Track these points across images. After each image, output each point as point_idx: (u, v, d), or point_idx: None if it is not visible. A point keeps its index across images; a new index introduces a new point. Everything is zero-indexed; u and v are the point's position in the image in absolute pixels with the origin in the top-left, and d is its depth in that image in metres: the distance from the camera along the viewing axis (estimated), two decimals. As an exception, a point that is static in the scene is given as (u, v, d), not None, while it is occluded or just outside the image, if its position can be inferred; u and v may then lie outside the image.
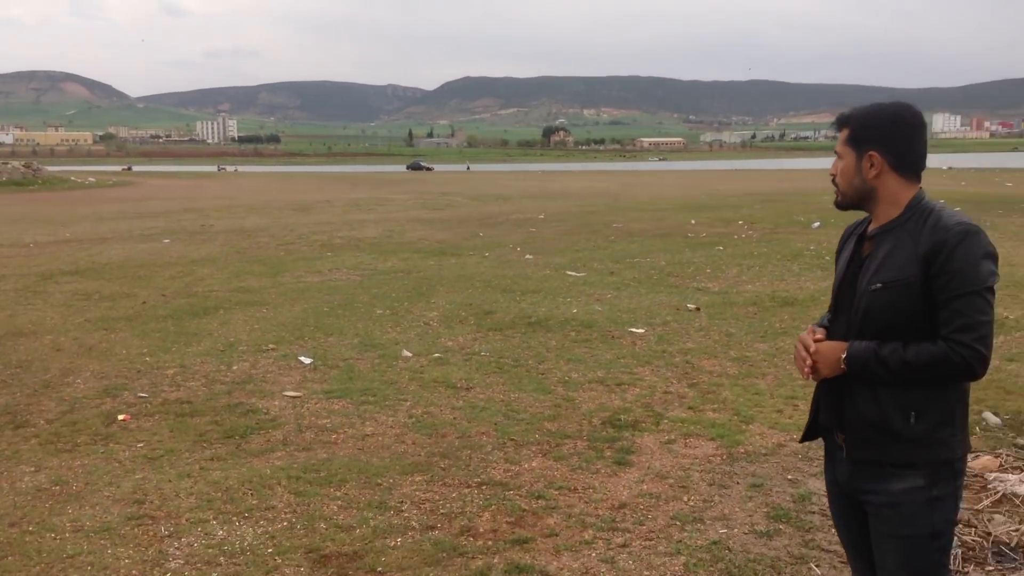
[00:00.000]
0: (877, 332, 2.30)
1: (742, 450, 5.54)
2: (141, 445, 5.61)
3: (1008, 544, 4.19)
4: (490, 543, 4.25)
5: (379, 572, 3.95)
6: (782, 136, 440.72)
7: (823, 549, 4.18)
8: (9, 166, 58.49)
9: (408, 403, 6.56)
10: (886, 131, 2.35)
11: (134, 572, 3.92)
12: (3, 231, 21.67)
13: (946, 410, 2.30)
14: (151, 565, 3.98)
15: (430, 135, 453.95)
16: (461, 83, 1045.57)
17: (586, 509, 4.66)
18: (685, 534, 4.36)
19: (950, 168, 68.98)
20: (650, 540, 4.30)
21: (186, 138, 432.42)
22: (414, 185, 53.63)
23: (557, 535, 4.34)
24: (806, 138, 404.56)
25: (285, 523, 4.46)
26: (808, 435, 2.62)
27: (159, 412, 6.31)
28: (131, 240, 19.11)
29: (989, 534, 4.29)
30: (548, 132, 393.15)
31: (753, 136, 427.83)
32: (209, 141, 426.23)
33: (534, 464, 5.33)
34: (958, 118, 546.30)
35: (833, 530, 4.23)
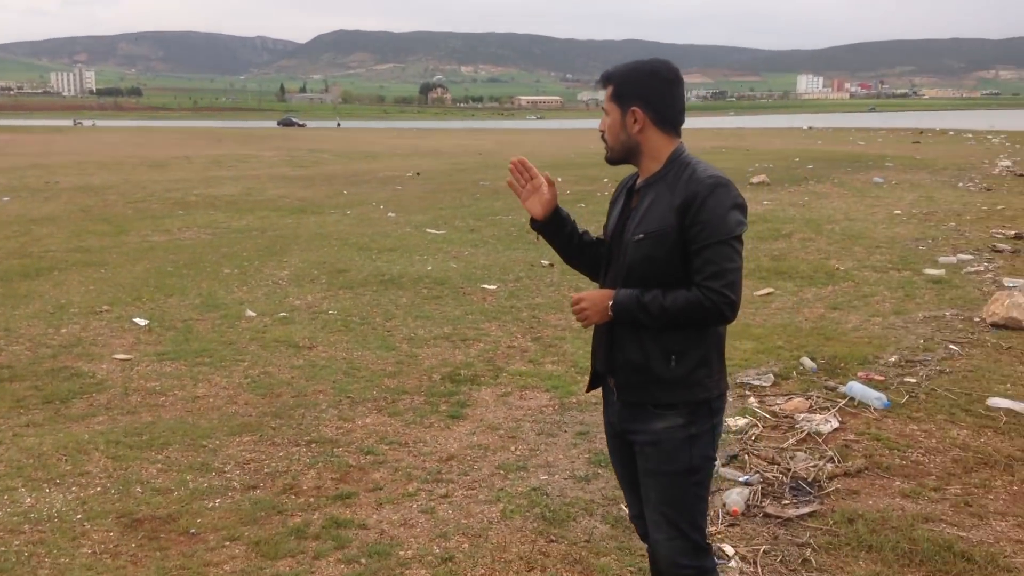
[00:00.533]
0: (640, 280, 2.40)
1: (574, 400, 5.69)
2: (-51, 413, 5.31)
3: (806, 479, 4.47)
4: (312, 500, 4.23)
5: (192, 534, 3.88)
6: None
7: (636, 492, 4.35)
8: None
9: (246, 363, 6.44)
10: (647, 87, 2.43)
11: (-76, 546, 3.72)
12: None
13: (703, 353, 2.43)
14: (-55, 537, 3.79)
15: (303, 90, 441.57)
16: (334, 36, 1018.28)
17: (414, 463, 4.69)
18: (507, 482, 4.45)
19: (810, 128, 71.96)
20: (472, 490, 4.37)
21: (40, 90, 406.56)
22: (282, 142, 52.10)
23: (381, 489, 4.36)
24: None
25: (99, 488, 4.32)
26: (592, 384, 2.71)
27: (-26, 378, 5.97)
28: (-35, 198, 17.91)
29: (789, 470, 4.56)
30: (426, 89, 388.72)
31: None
32: (65, 94, 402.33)
33: (368, 421, 5.33)
34: (820, 79, 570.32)
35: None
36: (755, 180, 20.61)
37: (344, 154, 37.73)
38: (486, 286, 9.13)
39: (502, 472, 4.58)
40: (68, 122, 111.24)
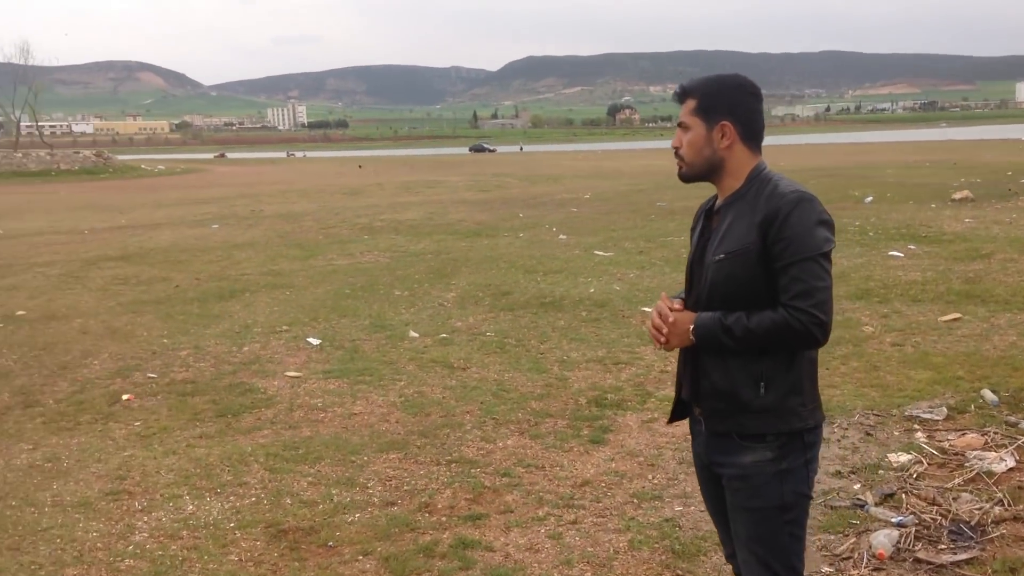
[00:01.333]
0: (723, 302, 2.32)
1: (721, 429, 5.51)
2: (138, 424, 5.85)
3: (968, 523, 4.12)
4: (444, 519, 4.34)
5: (330, 546, 4.08)
6: (858, 108, 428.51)
7: (773, 527, 4.16)
8: (80, 155, 60.67)
9: (402, 383, 6.69)
10: (735, 101, 2.35)
11: (99, 544, 4.11)
12: (65, 219, 22.53)
13: (794, 380, 2.31)
14: (116, 538, 4.17)
15: (494, 116, 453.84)
16: (524, 63, 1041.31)
17: (547, 487, 4.71)
18: (640, 511, 4.38)
19: (1028, 139, 66.30)
20: (603, 517, 4.33)
21: (258, 125, 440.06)
22: (470, 167, 53.83)
23: (512, 512, 4.41)
24: (883, 110, 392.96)
25: (253, 498, 4.62)
26: (675, 415, 2.64)
27: (163, 392, 6.56)
28: (182, 225, 19.70)
29: (950, 512, 4.22)
30: (613, 110, 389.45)
31: (827, 109, 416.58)
32: (280, 128, 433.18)
33: (509, 442, 5.40)
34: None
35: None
36: (957, 196, 19.21)
37: (526, 177, 38.49)
38: (646, 309, 9.02)
39: (635, 501, 4.51)
40: (282, 154, 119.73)
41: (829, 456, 4.98)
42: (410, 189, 31.96)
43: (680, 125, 2.43)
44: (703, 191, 2.48)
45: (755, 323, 2.23)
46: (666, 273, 11.21)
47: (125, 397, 6.39)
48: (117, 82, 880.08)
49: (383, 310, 9.38)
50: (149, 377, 6.94)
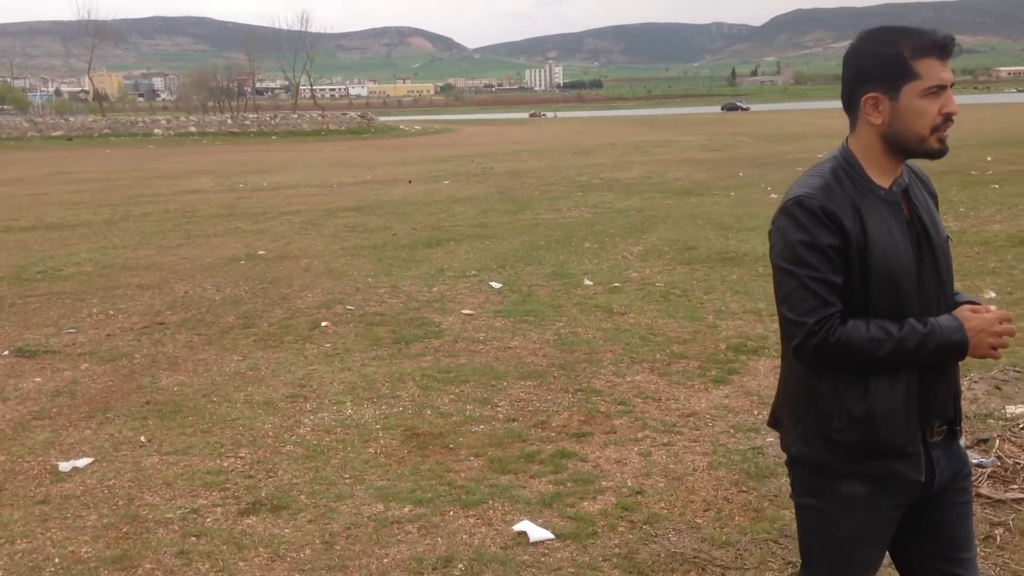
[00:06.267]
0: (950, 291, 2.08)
1: (849, 377, 5.63)
2: (328, 345, 6.87)
3: (1058, 475, 4.10)
4: (553, 435, 4.90)
5: (450, 448, 4.78)
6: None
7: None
8: (347, 116, 66.25)
9: (560, 324, 7.27)
10: None
11: (270, 434, 5.07)
12: (320, 174, 25.01)
13: None
14: (285, 430, 5.11)
15: (754, 73, 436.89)
16: (791, 16, 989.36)
17: (656, 415, 5.13)
18: (732, 440, 4.71)
19: None
20: (695, 442, 4.71)
21: (515, 86, 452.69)
22: (712, 127, 52.88)
23: (615, 433, 4.89)
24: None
25: (400, 408, 5.42)
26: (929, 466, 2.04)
27: (355, 321, 7.58)
28: (417, 181, 21.34)
29: (1045, 466, 4.21)
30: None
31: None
32: (536, 88, 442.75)
33: (638, 378, 5.84)
34: None
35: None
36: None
37: (764, 136, 37.42)
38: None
39: (731, 431, 4.84)
40: (524, 115, 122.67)
41: (944, 407, 5.01)
42: (640, 148, 32.21)
43: (952, 86, 1.97)
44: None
45: None
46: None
47: (324, 324, 7.46)
48: (391, 47, 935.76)
49: (568, 260, 9.98)
50: (348, 309, 8.01)
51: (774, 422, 2.19)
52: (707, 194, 16.04)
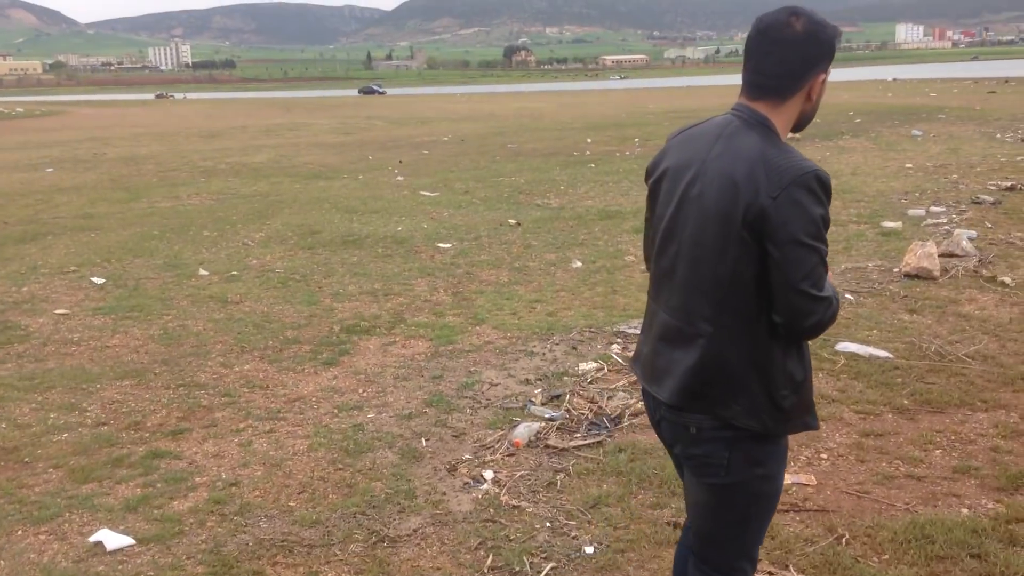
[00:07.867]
0: None
1: (450, 348, 5.97)
2: None
3: (610, 415, 4.66)
4: (147, 435, 4.65)
5: (25, 462, 4.34)
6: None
7: (447, 426, 4.63)
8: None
9: (169, 317, 6.91)
10: None
11: None
12: None
13: None
14: None
15: (389, 57, 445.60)
16: (420, 2, 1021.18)
17: (261, 403, 5.07)
18: (336, 420, 4.79)
19: (894, 79, 69.23)
20: (298, 427, 4.72)
21: (139, 65, 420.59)
22: (348, 110, 53.02)
23: (215, 426, 4.75)
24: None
25: (-32, 425, 4.82)
26: None
27: (-80, 331, 6.61)
28: (15, 170, 19.04)
29: (598, 408, 4.76)
30: (510, 52, 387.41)
31: (717, 51, 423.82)
32: (163, 68, 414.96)
33: (246, 368, 5.72)
34: (920, 28, 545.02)
35: (458, 414, 4.73)
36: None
37: (396, 120, 38.30)
38: (441, 244, 9.43)
39: (336, 411, 4.92)
40: (150, 96, 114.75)
41: (528, 367, 5.50)
42: (271, 132, 31.45)
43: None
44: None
45: None
46: (479, 212, 11.63)
47: None
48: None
49: (183, 250, 9.50)
50: (-88, 318, 6.96)
51: (689, 402, 2.13)
52: (336, 178, 16.09)
